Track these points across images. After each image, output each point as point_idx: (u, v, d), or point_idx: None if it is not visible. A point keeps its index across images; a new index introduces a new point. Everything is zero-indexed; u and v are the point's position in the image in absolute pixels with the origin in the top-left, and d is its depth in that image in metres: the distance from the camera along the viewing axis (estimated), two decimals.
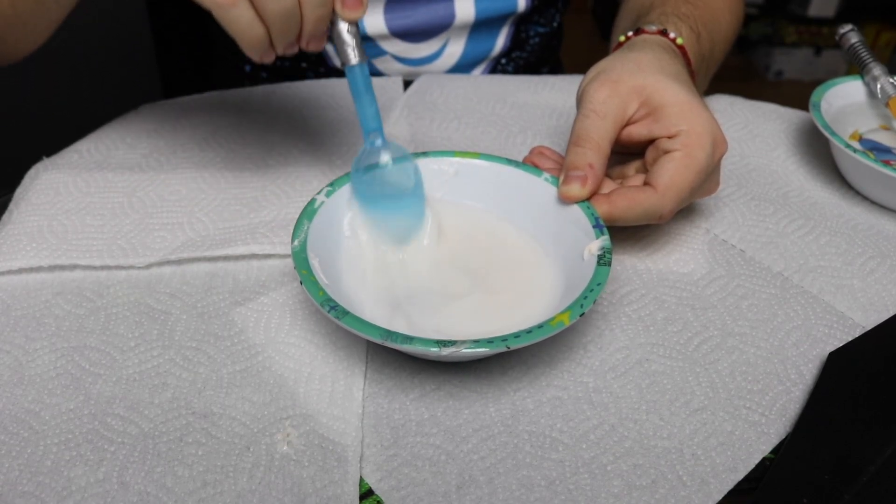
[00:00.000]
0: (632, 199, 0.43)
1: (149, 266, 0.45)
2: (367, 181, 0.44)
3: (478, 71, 0.76)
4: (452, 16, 0.70)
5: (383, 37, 0.70)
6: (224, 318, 0.42)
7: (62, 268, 0.45)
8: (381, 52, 0.72)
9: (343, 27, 0.41)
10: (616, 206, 0.43)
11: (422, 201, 0.45)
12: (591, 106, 0.45)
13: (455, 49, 0.73)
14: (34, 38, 0.55)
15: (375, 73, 0.73)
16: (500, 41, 0.75)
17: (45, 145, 0.55)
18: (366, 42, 0.71)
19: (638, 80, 0.45)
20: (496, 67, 0.77)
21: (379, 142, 0.44)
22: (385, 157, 0.44)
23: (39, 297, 0.43)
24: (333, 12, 0.41)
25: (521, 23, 0.76)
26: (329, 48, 0.72)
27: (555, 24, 0.80)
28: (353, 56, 0.42)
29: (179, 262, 0.46)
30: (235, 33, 0.39)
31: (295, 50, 0.42)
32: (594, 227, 0.42)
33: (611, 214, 0.43)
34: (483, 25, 0.72)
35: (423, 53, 0.72)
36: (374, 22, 0.69)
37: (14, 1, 0.50)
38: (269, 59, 0.42)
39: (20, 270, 0.45)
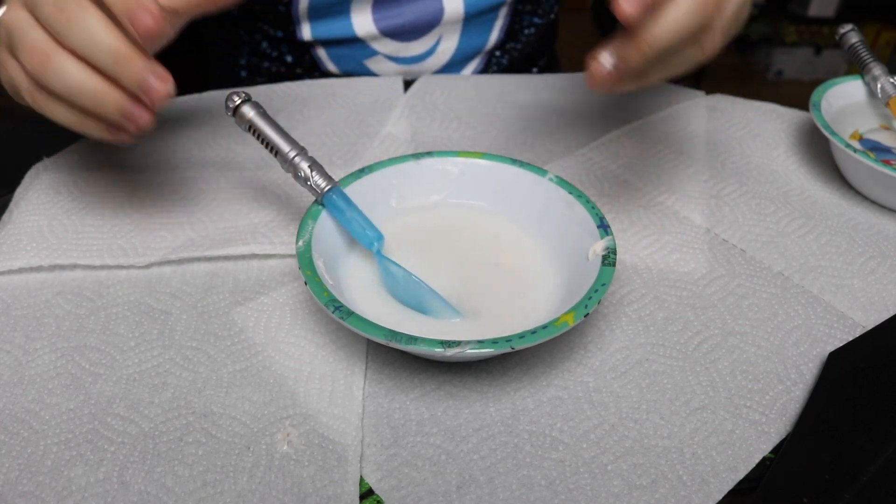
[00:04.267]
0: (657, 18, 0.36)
1: (149, 266, 0.45)
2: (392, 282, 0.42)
3: (473, 64, 0.75)
4: (441, 10, 0.69)
5: (374, 37, 0.70)
6: (224, 317, 0.42)
7: (62, 267, 0.45)
8: (373, 53, 0.71)
9: (303, 165, 0.41)
10: (648, 33, 0.36)
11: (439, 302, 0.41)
12: None
13: (449, 45, 0.72)
14: None
15: (369, 73, 0.72)
16: (495, 35, 0.74)
17: (45, 145, 0.55)
18: (356, 43, 0.70)
19: None
20: (490, 60, 0.76)
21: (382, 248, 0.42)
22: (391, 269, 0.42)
23: (39, 297, 0.43)
24: None
25: (516, 13, 0.75)
26: (322, 53, 0.71)
27: (552, 16, 0.80)
28: (320, 186, 0.42)
29: (180, 261, 0.46)
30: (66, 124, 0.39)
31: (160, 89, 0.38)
32: (599, 227, 0.41)
33: (650, 42, 0.36)
34: (475, 18, 0.71)
35: (417, 51, 0.72)
36: (363, 23, 0.69)
37: None
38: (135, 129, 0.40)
39: (20, 270, 0.45)
